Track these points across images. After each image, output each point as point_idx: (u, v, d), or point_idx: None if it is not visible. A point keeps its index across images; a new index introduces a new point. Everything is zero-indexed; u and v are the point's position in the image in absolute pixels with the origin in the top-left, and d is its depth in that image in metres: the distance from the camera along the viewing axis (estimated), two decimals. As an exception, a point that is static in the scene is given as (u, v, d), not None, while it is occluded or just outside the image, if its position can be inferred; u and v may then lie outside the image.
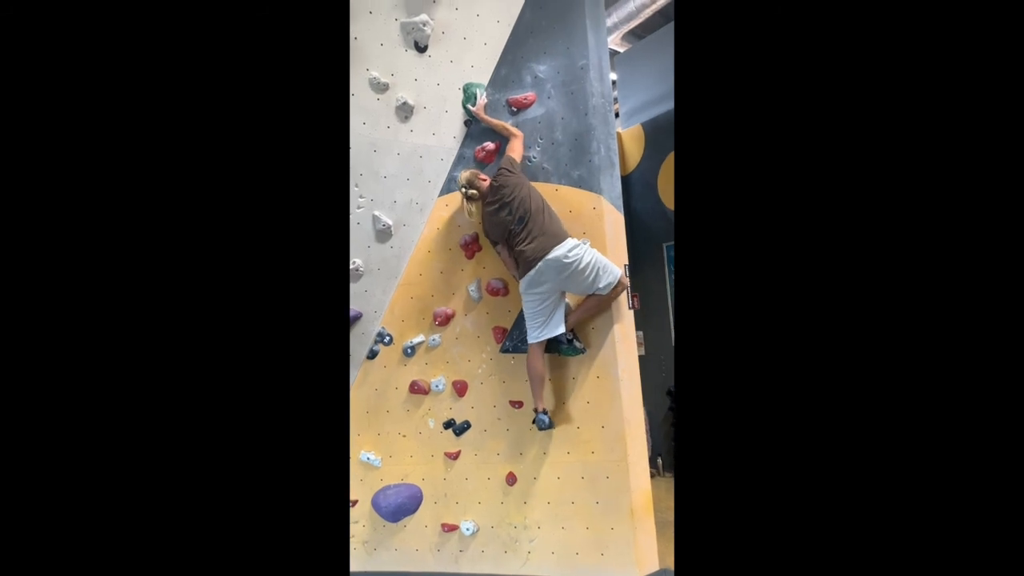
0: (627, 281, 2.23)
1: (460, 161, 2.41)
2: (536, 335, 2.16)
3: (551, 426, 2.16)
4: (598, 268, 2.13)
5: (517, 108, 2.39)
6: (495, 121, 2.34)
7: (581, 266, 2.09)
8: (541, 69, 2.38)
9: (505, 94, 2.40)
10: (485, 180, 2.24)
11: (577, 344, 2.20)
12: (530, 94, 2.38)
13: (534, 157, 2.37)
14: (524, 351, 2.27)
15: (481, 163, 2.37)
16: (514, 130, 2.30)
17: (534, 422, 2.18)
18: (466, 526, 2.30)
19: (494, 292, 2.36)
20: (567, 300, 2.23)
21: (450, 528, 2.33)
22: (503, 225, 2.16)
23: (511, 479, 2.30)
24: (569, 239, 2.12)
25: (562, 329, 2.16)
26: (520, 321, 2.32)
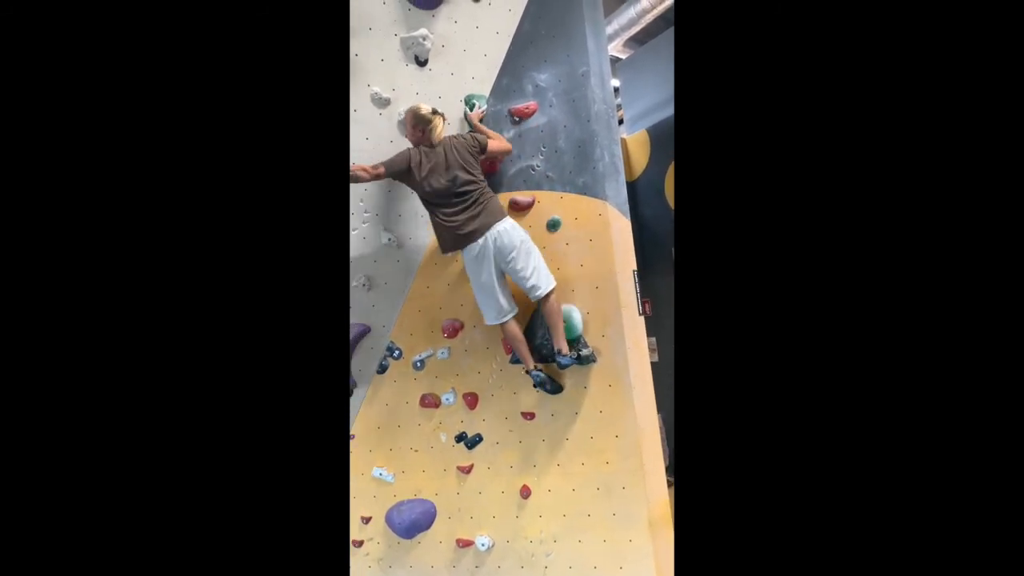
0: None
1: (464, 172, 2.40)
2: (494, 318, 2.16)
3: (545, 379, 2.17)
4: (538, 266, 2.13)
5: (519, 117, 2.39)
6: (483, 128, 2.33)
7: (524, 249, 2.10)
8: (542, 78, 2.38)
9: (507, 104, 2.40)
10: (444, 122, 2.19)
11: (584, 353, 2.16)
12: (532, 103, 2.38)
13: (537, 166, 2.36)
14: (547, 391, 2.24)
15: (487, 174, 2.37)
16: (498, 139, 2.28)
17: (535, 385, 2.18)
18: (481, 541, 2.26)
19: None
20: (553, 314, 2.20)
21: (465, 544, 2.29)
22: (442, 190, 2.08)
23: (525, 492, 2.26)
24: (509, 218, 2.15)
25: (514, 310, 2.17)
26: (529, 331, 2.30)
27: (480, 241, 2.08)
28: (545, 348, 2.24)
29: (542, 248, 2.27)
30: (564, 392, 2.25)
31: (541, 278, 2.11)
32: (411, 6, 2.33)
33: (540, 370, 2.18)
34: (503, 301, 2.14)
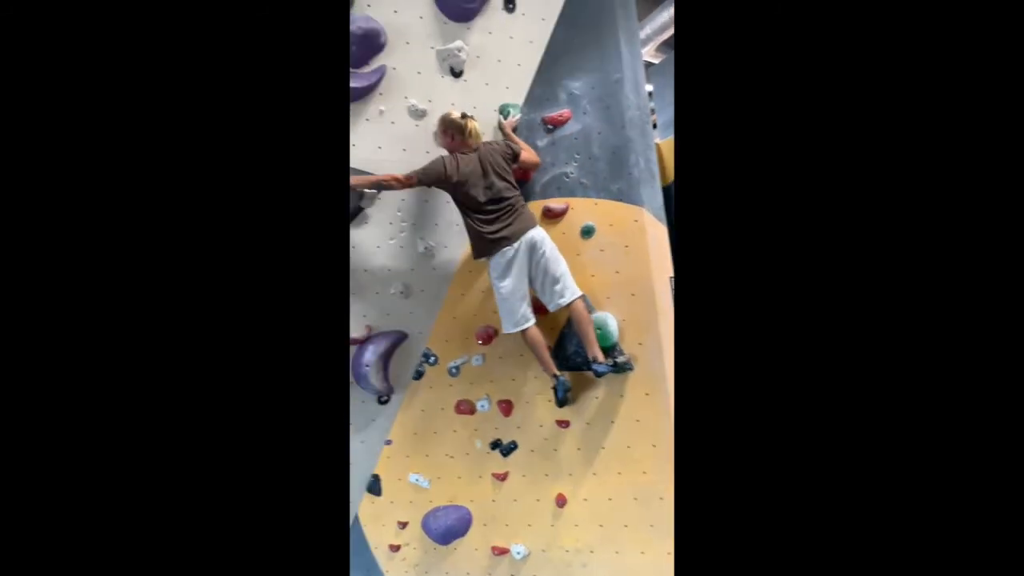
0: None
1: (498, 181, 2.42)
2: (513, 325, 2.15)
3: (569, 388, 2.16)
4: (565, 274, 2.13)
5: (553, 126, 2.40)
6: (515, 138, 2.35)
7: (553, 256, 2.12)
8: (575, 85, 2.39)
9: (540, 113, 2.41)
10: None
11: (620, 360, 2.14)
12: (565, 111, 2.38)
13: (571, 173, 2.36)
14: (569, 369, 2.23)
15: (519, 182, 2.39)
16: (528, 151, 2.30)
17: (554, 388, 2.16)
18: (516, 550, 2.26)
19: (536, 310, 2.34)
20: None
21: (500, 551, 2.29)
22: (479, 197, 2.11)
23: (561, 501, 2.25)
24: (539, 227, 2.17)
25: (532, 319, 2.16)
26: (564, 339, 2.29)
27: (515, 245, 2.09)
28: (579, 357, 2.22)
29: (576, 255, 2.27)
30: (600, 400, 2.23)
31: (567, 285, 2.12)
32: (447, 19, 2.38)
33: (565, 377, 2.17)
34: (526, 309, 2.14)
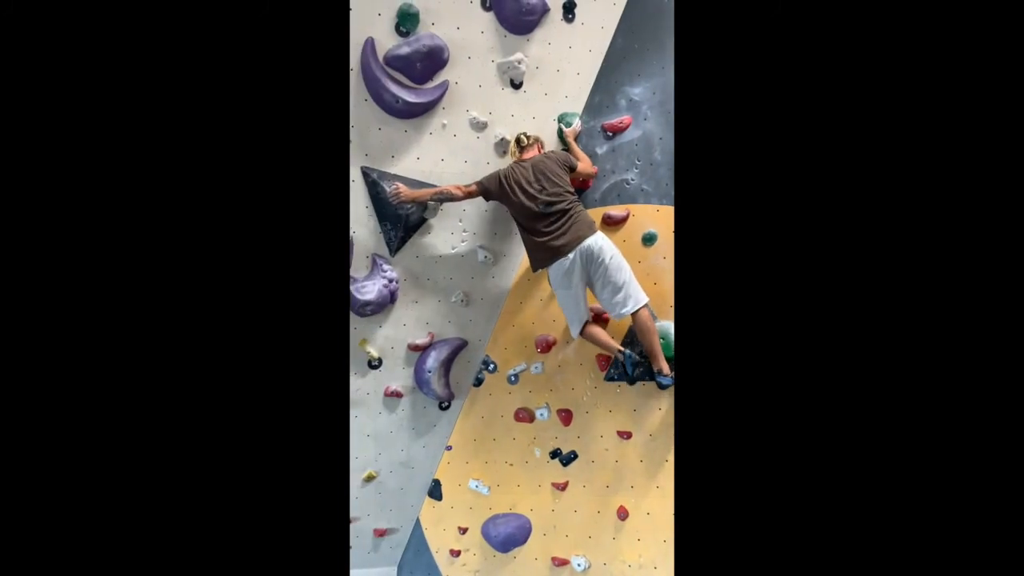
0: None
1: (557, 189, 2.43)
2: (577, 333, 2.17)
3: (638, 363, 2.14)
4: (628, 282, 2.08)
5: (613, 132, 2.38)
6: (576, 149, 2.35)
7: (614, 264, 2.07)
8: (636, 92, 2.37)
9: (600, 120, 2.41)
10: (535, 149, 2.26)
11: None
12: (625, 117, 2.37)
13: (632, 180, 2.33)
14: (628, 380, 2.19)
15: (579, 191, 2.39)
16: (587, 161, 2.32)
17: (622, 364, 2.15)
18: (577, 562, 2.23)
19: (599, 317, 2.32)
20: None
21: (561, 562, 2.26)
22: (529, 209, 2.12)
23: (622, 513, 2.20)
24: (600, 233, 2.14)
25: (589, 315, 2.16)
26: (635, 340, 2.25)
27: (570, 256, 2.09)
28: (643, 364, 2.18)
29: (637, 263, 2.23)
30: (663, 411, 2.17)
31: (631, 294, 2.08)
32: (507, 32, 2.43)
33: (631, 353, 2.13)
34: (584, 313, 2.15)
